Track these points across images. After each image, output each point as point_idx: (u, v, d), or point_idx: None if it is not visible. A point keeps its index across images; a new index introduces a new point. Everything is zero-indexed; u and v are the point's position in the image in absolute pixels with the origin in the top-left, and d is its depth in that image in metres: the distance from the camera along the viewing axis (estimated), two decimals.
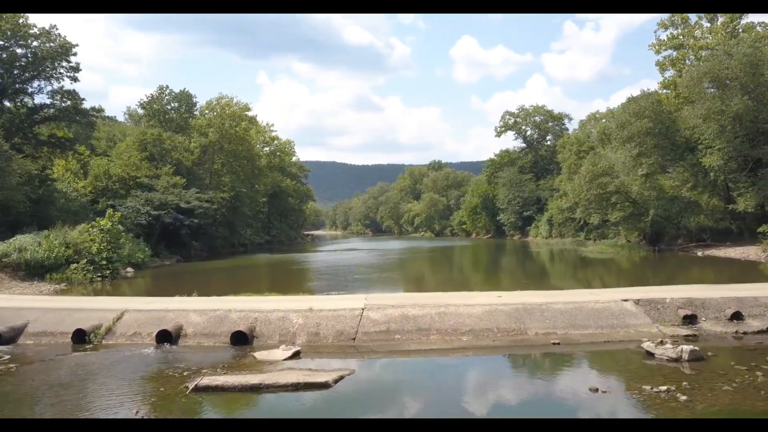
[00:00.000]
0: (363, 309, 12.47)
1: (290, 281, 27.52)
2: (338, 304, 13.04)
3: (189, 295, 16.44)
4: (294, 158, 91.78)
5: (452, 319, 12.11)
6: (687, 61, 36.08)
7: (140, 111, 58.01)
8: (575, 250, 45.61)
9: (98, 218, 28.46)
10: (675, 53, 37.60)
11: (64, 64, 40.60)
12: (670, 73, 38.03)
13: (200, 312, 12.99)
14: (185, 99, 56.71)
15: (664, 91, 38.63)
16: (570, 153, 54.84)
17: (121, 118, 70.43)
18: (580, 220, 45.86)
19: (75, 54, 40.92)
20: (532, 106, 78.66)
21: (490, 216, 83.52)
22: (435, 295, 14.35)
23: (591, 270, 29.07)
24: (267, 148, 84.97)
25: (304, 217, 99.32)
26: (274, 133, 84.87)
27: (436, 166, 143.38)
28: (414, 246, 65.40)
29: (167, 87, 55.58)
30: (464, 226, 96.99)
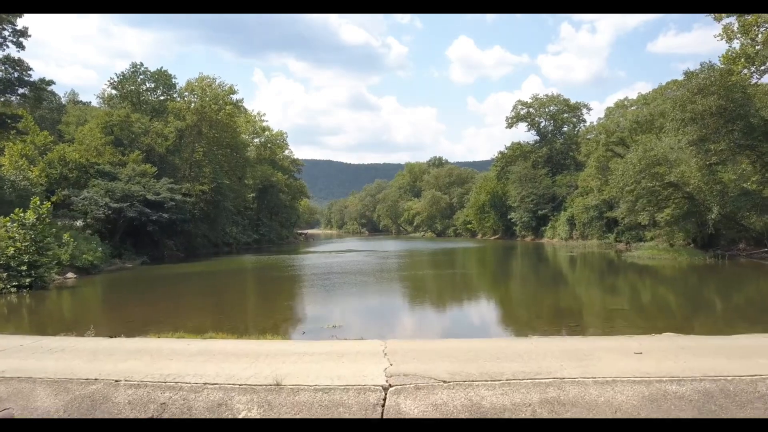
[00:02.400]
0: (386, 389, 6.04)
1: (266, 296, 21.07)
2: (333, 373, 6.62)
3: (91, 327, 9.96)
4: (286, 151, 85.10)
5: (577, 415, 5.66)
6: (762, 29, 29.73)
7: (113, 92, 51.10)
8: (614, 254, 39.27)
9: (18, 209, 21.82)
10: (735, 20, 31.21)
11: (8, 27, 34.05)
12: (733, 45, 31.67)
13: (59, 385, 6.63)
14: (163, 79, 49.90)
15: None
16: (597, 144, 48.43)
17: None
18: (622, 221, 39.31)
19: (21, 16, 34.36)
20: (546, 95, 72.20)
21: (499, 215, 76.88)
22: (509, 344, 7.81)
23: (678, 287, 21.91)
24: (257, 140, 78.38)
25: (297, 214, 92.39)
26: (265, 123, 78.29)
27: (437, 162, 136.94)
28: (417, 248, 58.90)
29: (141, 65, 48.85)
30: (469, 226, 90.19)
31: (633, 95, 52.10)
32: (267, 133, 78.86)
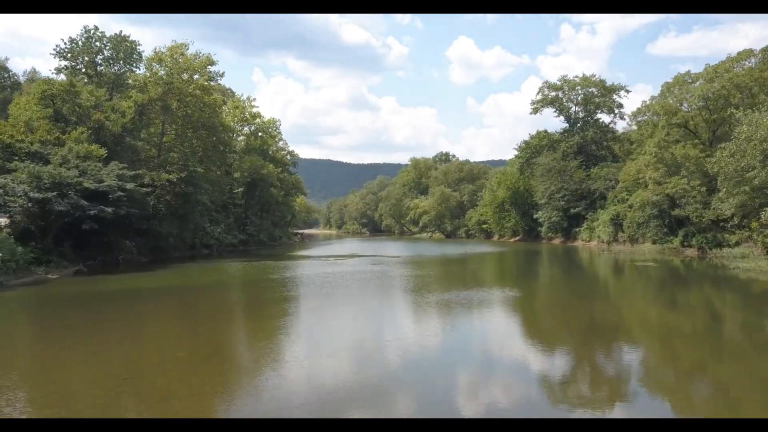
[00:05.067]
0: None
1: (205, 356, 11.44)
2: None
3: None
4: (280, 142, 75.99)
5: None
6: None
7: (64, 64, 41.70)
8: (697, 264, 30.24)
9: None
10: None
11: None
12: None
13: None
14: (124, 47, 40.66)
15: None
16: (655, 127, 39.46)
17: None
18: (725, 219, 30.22)
19: None
20: (577, 76, 62.90)
21: (521, 214, 67.58)
22: None
23: None
24: (246, 128, 69.36)
25: (292, 212, 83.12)
26: (255, 110, 69.15)
27: (443, 158, 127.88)
28: (430, 253, 49.78)
29: (96, 29, 39.65)
30: (485, 226, 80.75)
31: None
32: (258, 120, 69.75)
